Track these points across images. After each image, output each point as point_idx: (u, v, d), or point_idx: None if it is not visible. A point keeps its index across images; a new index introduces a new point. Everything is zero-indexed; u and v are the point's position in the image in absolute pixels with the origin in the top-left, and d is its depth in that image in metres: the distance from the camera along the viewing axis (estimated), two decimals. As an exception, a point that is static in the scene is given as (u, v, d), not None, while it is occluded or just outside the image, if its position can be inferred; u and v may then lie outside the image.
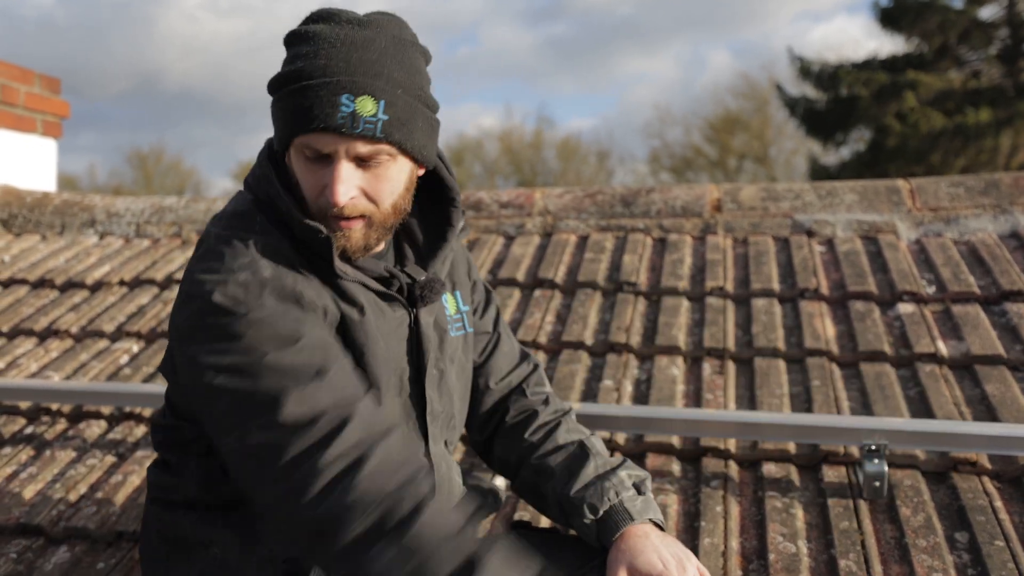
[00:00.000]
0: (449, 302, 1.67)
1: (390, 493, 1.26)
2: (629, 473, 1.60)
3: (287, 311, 1.36)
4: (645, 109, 43.99)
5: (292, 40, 1.42)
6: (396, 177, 1.44)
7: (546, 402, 1.77)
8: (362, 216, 1.43)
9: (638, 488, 1.58)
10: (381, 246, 1.57)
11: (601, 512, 1.53)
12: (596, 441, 1.70)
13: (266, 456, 1.29)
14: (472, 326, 1.72)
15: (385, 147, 1.38)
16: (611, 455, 1.71)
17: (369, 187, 1.42)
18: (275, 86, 1.41)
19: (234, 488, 1.50)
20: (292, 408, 1.29)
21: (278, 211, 1.47)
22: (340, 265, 1.45)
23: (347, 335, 1.46)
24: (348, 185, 1.39)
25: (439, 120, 1.50)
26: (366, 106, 1.35)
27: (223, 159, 50.99)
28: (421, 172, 1.53)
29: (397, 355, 1.53)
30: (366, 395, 1.37)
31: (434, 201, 1.63)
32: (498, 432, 1.77)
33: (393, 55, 1.39)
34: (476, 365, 1.76)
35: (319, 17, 1.43)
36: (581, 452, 1.65)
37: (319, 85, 1.35)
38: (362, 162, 1.40)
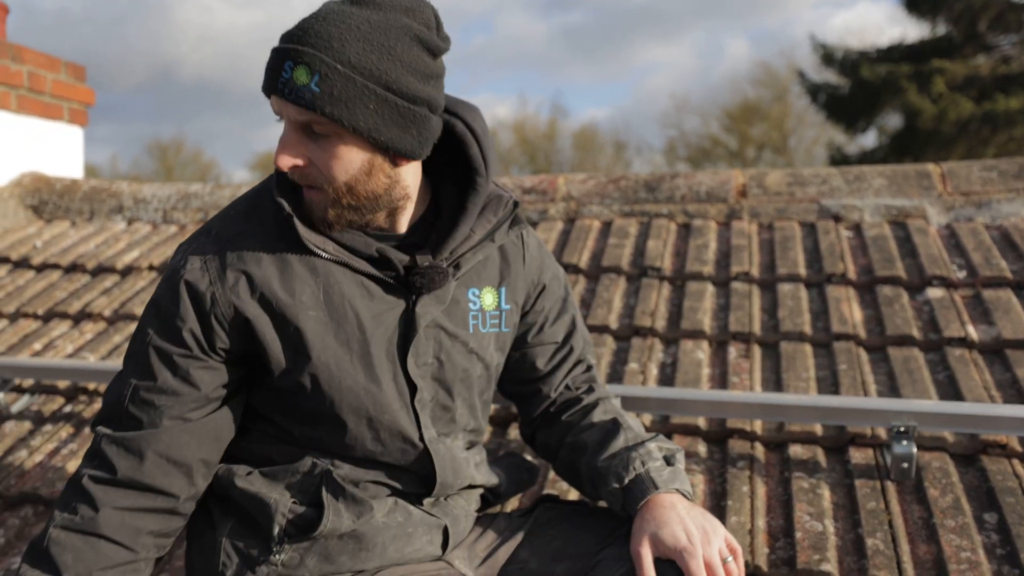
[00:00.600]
0: (487, 296, 1.66)
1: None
2: (659, 445, 1.60)
3: (180, 313, 1.50)
4: (661, 98, 43.76)
5: None
6: (346, 157, 1.43)
7: (588, 391, 1.78)
8: (318, 188, 1.46)
9: (668, 460, 1.58)
10: (405, 226, 1.57)
11: (627, 480, 1.53)
12: (632, 420, 1.70)
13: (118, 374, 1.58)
14: (509, 326, 1.71)
15: (321, 119, 1.38)
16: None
17: (317, 159, 1.43)
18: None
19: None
20: (133, 372, 1.53)
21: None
22: (314, 239, 1.49)
23: (297, 312, 1.50)
24: (291, 151, 1.42)
25: (421, 111, 1.44)
26: (300, 76, 1.36)
27: (239, 150, 51.31)
28: (404, 162, 1.49)
29: (383, 336, 1.54)
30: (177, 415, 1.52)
31: (466, 184, 1.61)
32: (542, 422, 1.79)
33: (364, 34, 1.38)
34: (542, 374, 1.78)
35: None
36: (613, 427, 1.66)
37: (275, 50, 1.40)
38: (312, 133, 1.42)
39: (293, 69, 1.36)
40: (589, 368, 1.84)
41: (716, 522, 1.47)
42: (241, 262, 1.50)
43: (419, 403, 1.57)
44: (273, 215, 1.54)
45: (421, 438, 1.58)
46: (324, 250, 1.49)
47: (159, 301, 1.52)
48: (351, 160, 1.43)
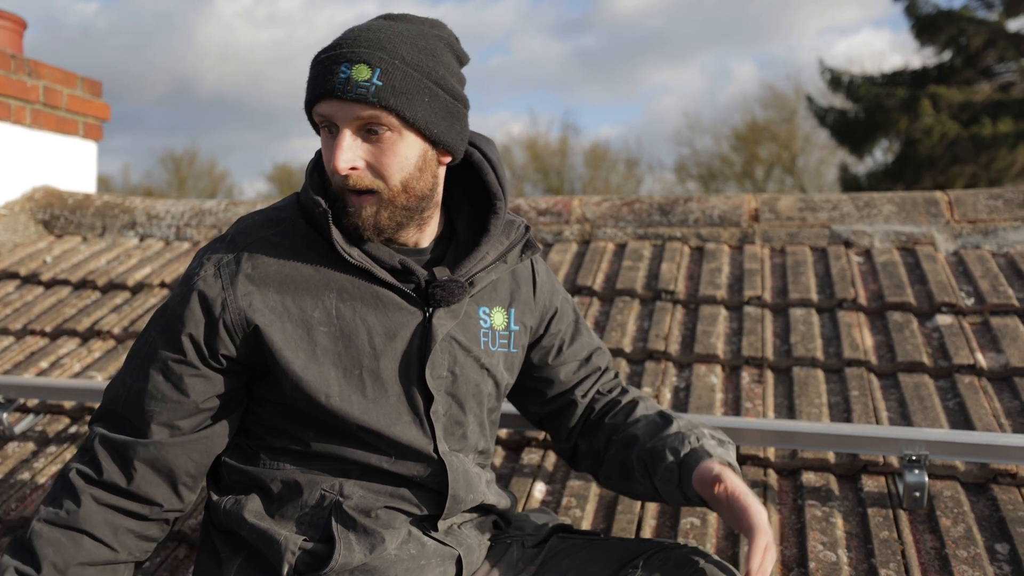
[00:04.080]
0: (497, 316, 1.69)
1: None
2: (712, 432, 1.66)
3: (185, 320, 1.53)
4: (670, 118, 44.17)
5: None
6: (404, 153, 1.48)
7: (623, 392, 1.84)
8: (371, 192, 1.49)
9: (720, 441, 1.64)
10: (426, 242, 1.63)
11: (683, 453, 1.58)
12: (678, 415, 1.76)
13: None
14: (518, 347, 1.74)
15: (382, 114, 1.44)
16: None
17: (374, 160, 1.48)
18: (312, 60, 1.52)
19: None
20: (129, 376, 1.57)
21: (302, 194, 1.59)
22: (345, 245, 1.52)
23: (309, 326, 1.53)
24: (349, 153, 1.46)
25: (462, 109, 1.55)
26: (361, 72, 1.42)
27: (255, 163, 51.75)
28: (447, 159, 1.57)
29: (397, 348, 1.56)
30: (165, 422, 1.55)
31: (484, 208, 1.68)
32: (582, 432, 1.83)
33: (407, 38, 1.47)
34: (567, 387, 1.82)
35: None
36: (663, 418, 1.72)
37: (325, 58, 1.46)
38: (367, 133, 1.47)
39: (352, 68, 1.42)
40: (616, 375, 1.89)
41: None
42: (256, 270, 1.54)
43: (434, 414, 1.59)
44: (292, 226, 1.58)
45: (435, 449, 1.59)
46: (350, 255, 1.52)
47: (168, 305, 1.56)
48: (408, 156, 1.49)
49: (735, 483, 1.49)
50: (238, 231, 1.61)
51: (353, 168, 1.47)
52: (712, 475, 1.52)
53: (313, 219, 1.56)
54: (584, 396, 1.82)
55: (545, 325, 1.80)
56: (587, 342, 1.87)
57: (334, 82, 1.43)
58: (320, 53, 1.48)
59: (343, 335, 1.54)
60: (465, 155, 1.63)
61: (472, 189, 1.68)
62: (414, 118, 1.45)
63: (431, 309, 1.58)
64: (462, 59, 1.57)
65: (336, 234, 1.51)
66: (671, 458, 1.58)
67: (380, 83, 1.42)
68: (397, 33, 1.47)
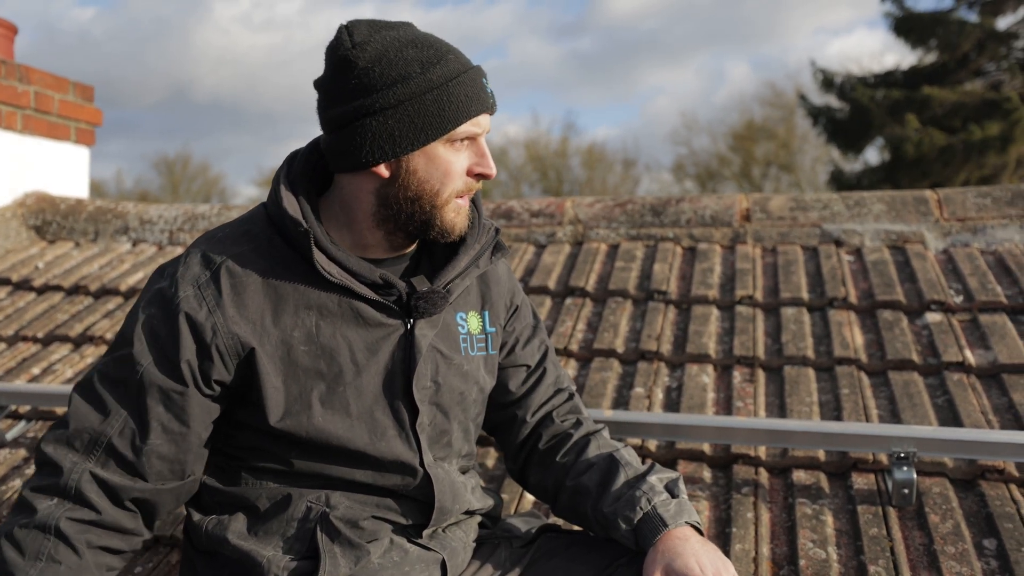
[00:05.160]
0: (473, 320, 1.69)
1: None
2: (659, 477, 1.60)
3: (171, 339, 1.47)
4: (667, 119, 44.36)
5: (380, 57, 1.47)
6: None
7: (576, 425, 1.78)
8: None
9: (671, 491, 1.58)
10: (408, 249, 1.63)
11: (636, 521, 1.53)
12: (626, 452, 1.70)
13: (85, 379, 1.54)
14: (495, 349, 1.74)
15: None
16: (642, 462, 1.72)
17: None
18: (413, 90, 1.46)
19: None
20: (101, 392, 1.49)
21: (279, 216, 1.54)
22: (323, 261, 1.49)
23: (289, 346, 1.51)
24: None
25: None
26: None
27: (252, 167, 51.68)
28: None
29: (379, 362, 1.55)
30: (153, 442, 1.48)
31: None
32: (531, 460, 1.79)
33: None
34: (515, 397, 1.79)
35: (376, 28, 1.50)
36: (611, 466, 1.65)
37: (474, 69, 1.53)
38: None
39: (488, 83, 1.55)
40: (571, 396, 1.84)
41: (728, 563, 1.47)
42: (236, 290, 1.49)
43: (419, 427, 1.58)
44: (267, 242, 1.54)
45: (421, 463, 1.58)
46: (330, 272, 1.49)
47: (156, 331, 1.48)
48: None
49: None
50: (209, 246, 1.55)
51: None
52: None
53: (288, 235, 1.52)
54: (531, 414, 1.78)
55: (504, 323, 1.79)
56: (541, 348, 1.84)
57: (488, 96, 1.53)
58: (457, 66, 1.50)
59: (324, 353, 1.51)
60: None
61: None
62: None
63: (412, 320, 1.57)
64: None
65: (318, 255, 1.48)
66: (624, 526, 1.54)
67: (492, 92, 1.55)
68: None
